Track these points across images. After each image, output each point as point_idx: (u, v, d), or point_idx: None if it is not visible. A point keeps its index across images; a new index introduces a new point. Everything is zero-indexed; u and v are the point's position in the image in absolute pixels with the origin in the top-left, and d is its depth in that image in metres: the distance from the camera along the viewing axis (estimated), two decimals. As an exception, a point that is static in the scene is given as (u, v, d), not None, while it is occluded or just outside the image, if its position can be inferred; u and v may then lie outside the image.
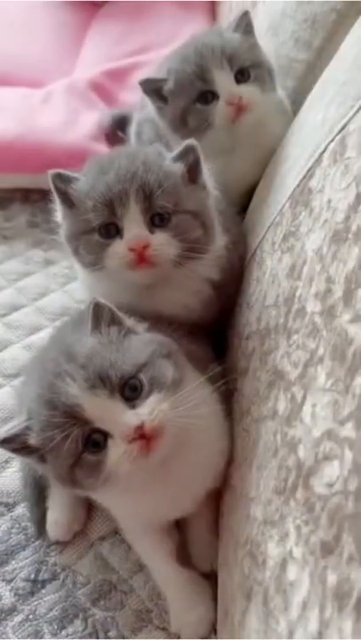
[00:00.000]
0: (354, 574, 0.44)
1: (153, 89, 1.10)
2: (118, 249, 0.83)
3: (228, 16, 1.68)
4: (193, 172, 0.88)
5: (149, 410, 0.66)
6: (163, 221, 0.84)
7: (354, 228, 0.59)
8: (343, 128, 0.70)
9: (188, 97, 1.07)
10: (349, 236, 0.59)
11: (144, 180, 0.83)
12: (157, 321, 0.82)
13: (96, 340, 0.71)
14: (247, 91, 1.06)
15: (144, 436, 0.65)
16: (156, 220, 0.84)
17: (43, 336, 1.16)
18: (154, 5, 1.88)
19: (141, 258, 0.83)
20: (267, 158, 1.13)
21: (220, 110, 1.05)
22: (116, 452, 0.65)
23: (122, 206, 0.82)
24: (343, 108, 0.72)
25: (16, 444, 0.68)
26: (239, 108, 1.05)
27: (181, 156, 0.88)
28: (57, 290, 1.29)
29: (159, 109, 1.12)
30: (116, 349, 0.70)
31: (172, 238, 0.84)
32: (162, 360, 0.71)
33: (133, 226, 0.83)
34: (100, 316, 0.73)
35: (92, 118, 1.52)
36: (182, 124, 1.10)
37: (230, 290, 0.99)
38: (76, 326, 0.88)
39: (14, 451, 0.69)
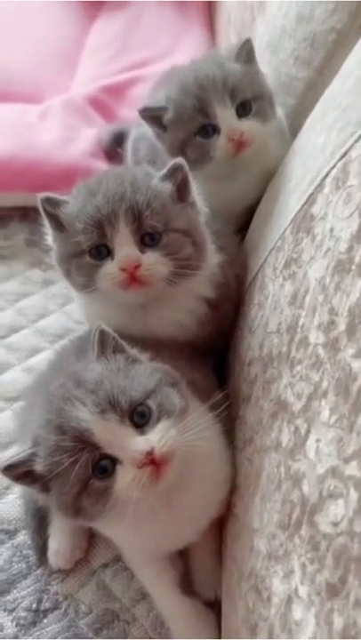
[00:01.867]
0: None
1: (152, 116, 1.09)
2: (110, 270, 0.83)
3: (226, 29, 1.68)
4: (182, 191, 0.89)
5: (159, 436, 0.66)
6: (153, 241, 0.85)
7: (357, 259, 0.58)
8: (345, 155, 0.69)
9: (188, 129, 1.06)
10: (353, 267, 0.59)
11: (133, 200, 0.83)
12: (159, 351, 0.82)
13: (103, 366, 0.72)
14: (248, 125, 1.05)
15: (154, 462, 0.65)
16: (147, 239, 0.84)
17: (43, 358, 1.15)
18: (151, 19, 1.87)
19: (133, 278, 0.83)
20: (265, 180, 1.13)
21: (220, 145, 1.05)
22: (126, 477, 0.65)
23: (111, 227, 0.83)
24: (344, 134, 0.71)
25: (20, 470, 0.68)
26: (240, 144, 1.04)
27: (169, 175, 0.88)
28: (56, 310, 1.28)
29: (158, 135, 1.11)
30: (124, 376, 0.70)
31: (163, 257, 0.84)
32: (168, 388, 0.72)
33: (124, 246, 0.83)
34: (105, 343, 0.74)
35: (91, 135, 1.51)
36: (181, 154, 1.06)
37: (226, 309, 0.99)
38: (78, 352, 0.88)
39: (17, 478, 0.68)
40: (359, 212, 0.61)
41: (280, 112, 1.17)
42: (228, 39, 1.61)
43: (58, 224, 0.88)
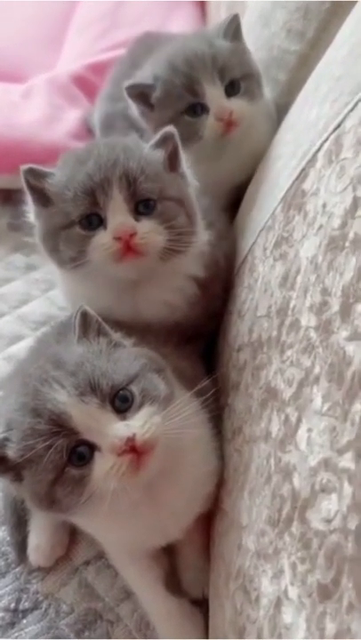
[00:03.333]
0: (355, 625, 0.40)
1: (139, 94, 1.06)
2: (103, 240, 0.80)
3: (217, 5, 1.64)
4: (173, 160, 0.87)
5: (142, 422, 0.62)
6: (148, 209, 0.82)
7: (351, 235, 0.55)
8: (339, 126, 0.66)
9: (177, 108, 1.04)
10: (346, 244, 0.55)
11: (127, 166, 0.81)
12: (145, 335, 0.79)
13: (85, 348, 0.68)
14: (237, 105, 1.04)
15: (135, 450, 0.61)
16: (141, 207, 0.82)
17: (24, 346, 1.11)
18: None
19: (128, 247, 0.79)
20: (253, 159, 1.10)
21: (209, 124, 1.03)
22: (104, 465, 0.61)
23: (104, 195, 0.80)
24: (338, 104, 0.68)
25: None
26: (229, 123, 1.03)
27: (160, 144, 0.86)
28: (39, 297, 1.24)
29: (143, 114, 1.09)
30: (106, 359, 0.67)
31: (158, 225, 0.82)
32: (153, 374, 0.68)
33: (118, 214, 0.80)
34: (87, 325, 0.70)
35: (76, 115, 1.47)
36: None
37: (216, 289, 0.96)
38: (59, 336, 0.84)
39: None
40: (353, 186, 0.57)
41: (268, 93, 1.15)
42: (219, 15, 1.57)
43: (42, 198, 0.84)
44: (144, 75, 1.09)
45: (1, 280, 1.28)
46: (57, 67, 1.70)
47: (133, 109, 1.10)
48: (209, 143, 1.04)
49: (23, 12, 1.83)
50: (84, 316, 0.70)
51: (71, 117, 1.46)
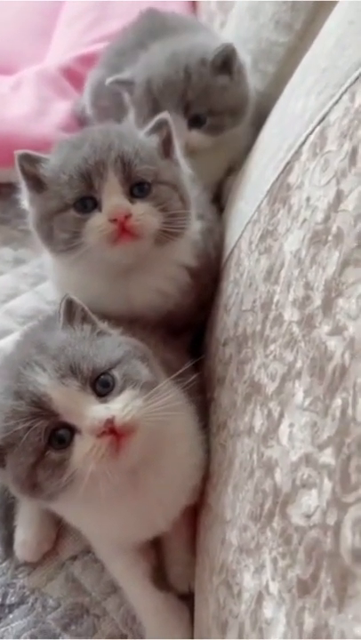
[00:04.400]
0: (332, 620, 0.40)
1: (123, 88, 1.10)
2: (98, 222, 0.80)
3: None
4: (167, 146, 0.87)
5: (122, 405, 0.62)
6: (142, 192, 0.82)
7: (334, 229, 0.55)
8: (323, 119, 0.65)
9: (144, 116, 1.07)
10: (329, 238, 0.55)
11: (121, 149, 0.81)
12: (132, 325, 0.79)
13: (68, 334, 0.69)
14: (195, 138, 1.08)
15: (114, 432, 0.61)
16: (136, 190, 0.82)
17: (12, 340, 1.10)
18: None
19: (123, 229, 0.79)
20: (227, 162, 1.16)
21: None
22: (83, 447, 0.61)
23: (100, 177, 0.80)
24: (323, 96, 0.67)
25: None
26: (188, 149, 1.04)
27: (155, 130, 0.87)
28: (27, 291, 1.24)
29: (131, 101, 1.12)
30: (89, 345, 0.67)
31: (153, 208, 0.82)
32: (136, 361, 0.68)
33: (113, 196, 0.80)
34: (72, 312, 0.71)
35: (64, 108, 1.46)
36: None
37: (206, 279, 0.97)
38: (47, 326, 0.84)
39: None
40: (337, 179, 0.57)
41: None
42: (210, 7, 1.56)
43: (36, 183, 0.84)
44: (128, 74, 1.12)
45: (-11, 274, 1.27)
46: (46, 59, 1.69)
47: (125, 97, 1.15)
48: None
49: (12, 4, 1.81)
50: (69, 304, 0.70)
51: (60, 110, 1.45)
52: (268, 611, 0.49)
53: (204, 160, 1.06)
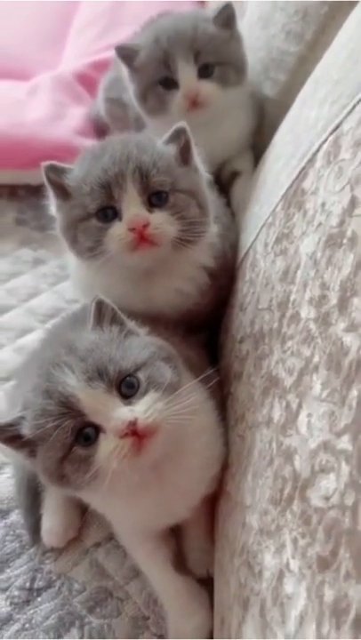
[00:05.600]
0: (351, 591, 0.43)
1: (127, 55, 1.14)
2: (118, 231, 0.83)
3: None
4: (185, 154, 0.90)
5: (145, 407, 0.66)
6: (160, 201, 0.85)
7: (349, 233, 0.58)
8: (337, 128, 0.69)
9: (153, 77, 1.12)
10: (344, 241, 0.58)
11: (139, 160, 0.84)
12: (156, 325, 0.82)
13: (97, 335, 0.72)
14: (206, 87, 1.11)
15: (136, 433, 0.64)
16: (154, 199, 0.85)
17: (33, 338, 1.14)
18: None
19: (142, 237, 0.83)
20: (223, 145, 1.19)
21: (177, 100, 1.11)
22: (107, 446, 0.65)
23: (119, 188, 0.83)
24: (337, 106, 0.71)
25: (8, 433, 0.68)
26: (195, 103, 1.10)
27: (173, 139, 0.89)
28: (47, 290, 1.27)
29: (130, 74, 1.17)
30: (116, 347, 0.70)
31: (170, 217, 0.85)
32: (161, 362, 0.71)
33: (132, 206, 0.83)
34: (102, 314, 0.74)
35: (79, 113, 1.50)
36: (144, 100, 1.16)
37: (224, 279, 1.00)
38: (73, 324, 0.88)
39: (5, 441, 0.68)
40: (351, 186, 0.60)
41: (251, 86, 1.22)
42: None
43: (62, 192, 0.88)
44: (136, 39, 1.17)
45: (10, 274, 1.31)
46: (60, 64, 1.72)
47: (124, 71, 1.19)
48: (175, 118, 1.07)
49: (25, 10, 1.84)
50: (100, 305, 0.74)
51: (76, 114, 1.49)
52: (288, 586, 0.52)
53: (204, 136, 1.07)
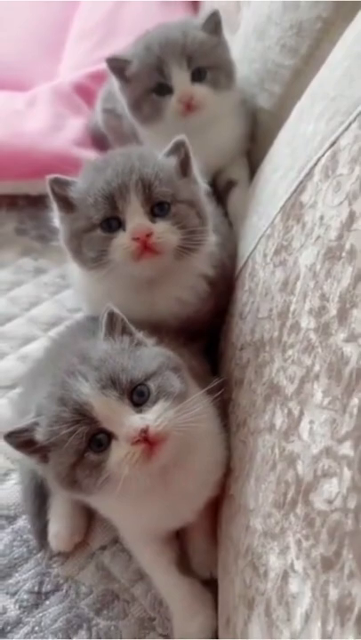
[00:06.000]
0: (355, 590, 0.45)
1: (117, 67, 1.17)
2: (122, 240, 0.86)
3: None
4: (184, 166, 0.93)
5: (155, 416, 0.68)
6: (163, 211, 0.88)
7: (347, 246, 0.60)
8: (334, 143, 0.71)
9: (146, 85, 1.15)
10: (343, 254, 0.60)
11: (142, 172, 0.86)
12: (160, 335, 0.84)
13: (109, 345, 0.74)
14: (200, 90, 1.14)
15: (147, 440, 0.67)
16: (156, 210, 0.88)
17: (36, 347, 1.16)
18: (136, 5, 1.86)
19: (145, 246, 0.85)
20: (216, 151, 1.22)
21: (171, 105, 1.13)
22: (119, 453, 0.67)
23: (122, 199, 0.86)
24: (333, 122, 0.73)
25: (22, 438, 0.70)
26: (189, 106, 1.13)
27: (173, 151, 0.92)
28: (48, 299, 1.29)
29: (121, 86, 1.19)
30: (127, 357, 0.73)
31: (172, 226, 0.87)
32: (170, 372, 0.74)
33: (135, 216, 0.86)
34: (113, 324, 0.76)
35: (78, 124, 1.51)
36: (137, 109, 1.18)
37: (223, 287, 1.03)
38: (79, 334, 0.91)
39: (18, 446, 0.71)
40: (349, 201, 0.62)
41: (241, 94, 1.25)
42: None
43: (66, 204, 0.90)
44: (126, 51, 1.19)
45: (11, 283, 1.32)
46: (58, 75, 1.73)
47: (114, 83, 1.21)
48: (170, 123, 1.13)
49: (21, 20, 1.85)
50: (111, 316, 0.76)
51: (74, 125, 1.50)
52: (293, 586, 0.54)
53: (199, 143, 1.08)
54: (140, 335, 0.78)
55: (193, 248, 0.89)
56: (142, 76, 1.15)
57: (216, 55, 1.16)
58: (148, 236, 0.85)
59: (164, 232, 0.86)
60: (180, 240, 0.87)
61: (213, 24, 1.16)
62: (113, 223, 0.87)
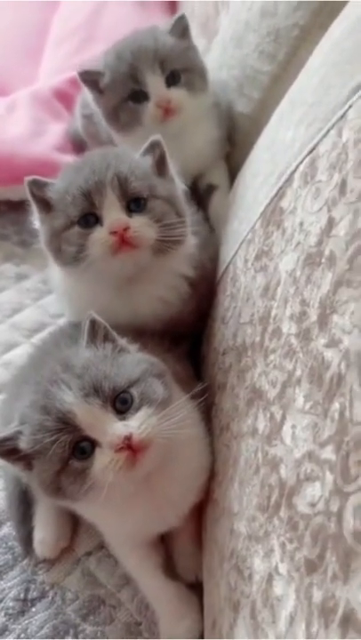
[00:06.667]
0: (338, 592, 0.45)
1: (90, 80, 1.17)
2: (100, 235, 0.87)
3: (190, 23, 1.68)
4: (160, 165, 0.94)
5: (139, 423, 0.68)
6: (139, 207, 0.89)
7: (327, 252, 0.60)
8: (312, 150, 0.71)
9: (121, 94, 1.15)
10: (323, 260, 0.61)
11: (118, 169, 0.88)
12: (144, 340, 0.84)
13: (92, 353, 0.74)
14: (177, 94, 1.14)
15: (131, 448, 0.67)
16: (133, 205, 0.89)
17: (19, 353, 1.16)
18: (114, 11, 1.86)
19: (123, 240, 0.86)
20: (195, 154, 1.22)
21: (149, 111, 1.13)
22: (103, 460, 0.67)
23: (99, 195, 0.87)
24: (312, 129, 0.73)
25: (6, 446, 0.70)
26: (167, 111, 1.13)
27: (148, 151, 0.94)
28: (31, 305, 1.29)
29: (96, 98, 1.19)
30: (110, 364, 0.73)
31: (149, 220, 0.88)
32: (153, 379, 0.74)
33: (112, 211, 0.87)
34: (95, 332, 0.76)
35: (58, 129, 1.51)
36: (115, 118, 1.18)
37: (204, 289, 1.03)
38: (61, 340, 0.91)
39: (2, 455, 0.71)
40: (328, 207, 0.63)
41: (214, 97, 1.25)
42: (192, 33, 1.61)
43: (45, 205, 0.91)
44: (97, 63, 1.19)
45: (-7, 290, 1.31)
46: (37, 79, 1.72)
47: (88, 94, 1.21)
48: (149, 129, 1.11)
49: (0, 24, 1.84)
50: (93, 323, 0.76)
51: (55, 131, 1.50)
52: (278, 589, 0.55)
53: (176, 148, 1.09)
54: (122, 342, 0.79)
55: (171, 244, 0.90)
56: (117, 86, 1.15)
57: (188, 58, 1.17)
58: (126, 229, 0.86)
59: (141, 226, 0.87)
60: (157, 234, 0.88)
61: (181, 28, 1.17)
62: (90, 219, 0.88)
